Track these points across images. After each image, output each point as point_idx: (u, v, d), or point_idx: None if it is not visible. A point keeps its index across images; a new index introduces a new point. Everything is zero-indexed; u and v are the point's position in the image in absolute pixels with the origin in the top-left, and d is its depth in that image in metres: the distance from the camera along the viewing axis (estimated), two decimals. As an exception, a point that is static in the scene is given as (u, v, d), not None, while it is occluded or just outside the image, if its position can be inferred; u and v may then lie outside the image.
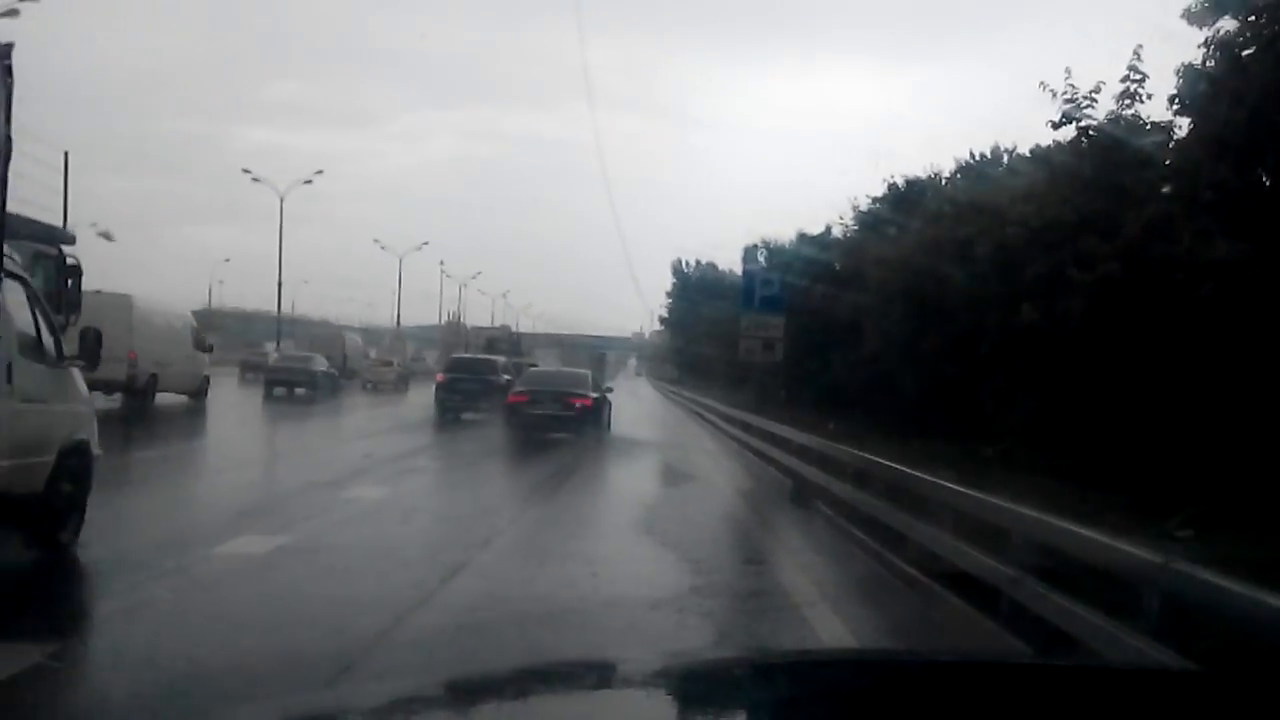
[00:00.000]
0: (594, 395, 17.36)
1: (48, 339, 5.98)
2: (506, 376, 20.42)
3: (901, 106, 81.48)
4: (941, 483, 6.20)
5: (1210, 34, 7.36)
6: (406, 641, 4.71)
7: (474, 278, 63.81)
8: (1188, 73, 7.73)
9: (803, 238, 24.02)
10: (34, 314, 5.86)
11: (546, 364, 31.19)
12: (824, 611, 5.53)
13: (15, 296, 5.66)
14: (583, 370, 20.83)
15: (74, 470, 5.93)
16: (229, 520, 7.32)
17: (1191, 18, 7.61)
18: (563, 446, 15.84)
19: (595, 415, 17.06)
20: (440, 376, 19.26)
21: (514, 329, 44.94)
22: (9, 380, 5.34)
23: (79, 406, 6.29)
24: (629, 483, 12.77)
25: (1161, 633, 3.59)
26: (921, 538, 6.23)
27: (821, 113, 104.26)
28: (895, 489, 7.06)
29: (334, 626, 4.79)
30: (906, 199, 16.97)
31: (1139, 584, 3.82)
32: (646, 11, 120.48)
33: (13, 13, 23.55)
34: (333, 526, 7.69)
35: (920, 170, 18.50)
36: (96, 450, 6.33)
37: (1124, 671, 2.18)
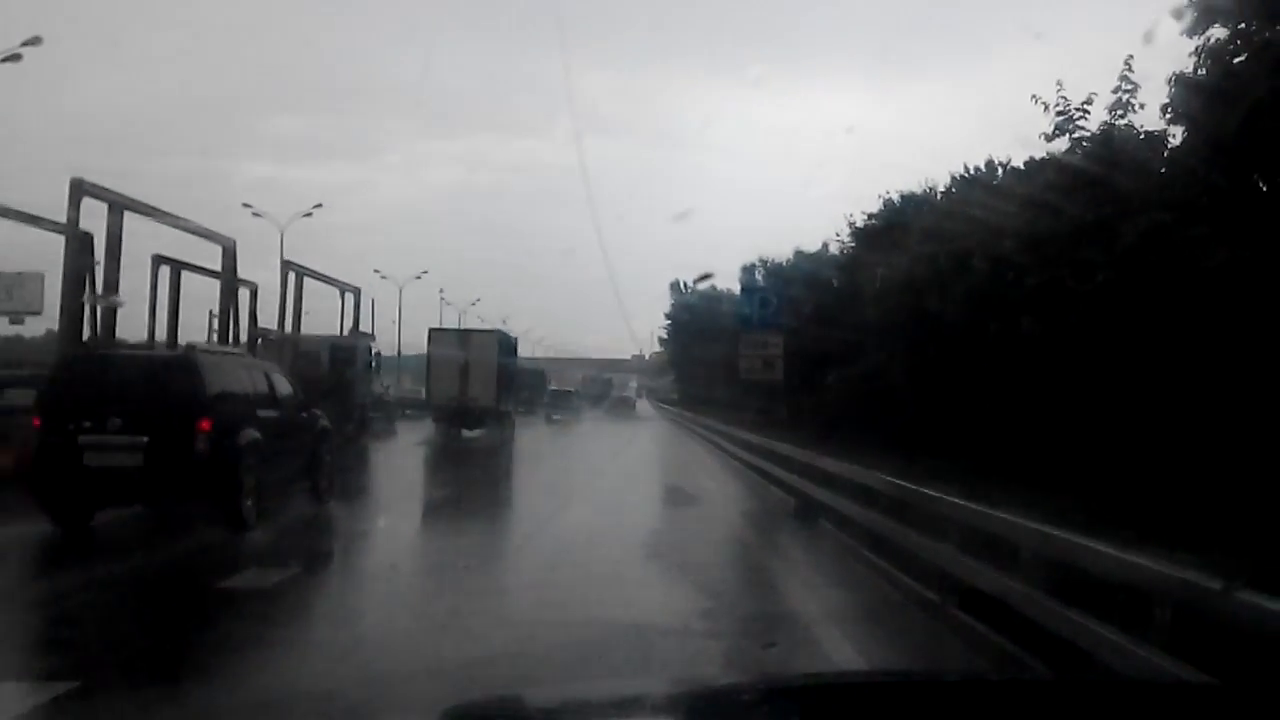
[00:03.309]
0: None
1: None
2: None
3: (894, 123, 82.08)
4: (948, 498, 6.14)
5: (1201, 42, 7.41)
6: (414, 672, 4.64)
7: (473, 304, 63.91)
8: (1180, 82, 7.77)
9: (800, 255, 24.09)
10: None
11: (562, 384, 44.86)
12: (833, 632, 5.45)
13: None
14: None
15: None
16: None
17: (1184, 28, 7.67)
18: (564, 469, 17.14)
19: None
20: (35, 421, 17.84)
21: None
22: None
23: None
24: (632, 504, 12.70)
25: (1176, 647, 3.52)
26: (929, 554, 6.15)
27: (814, 131, 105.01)
28: (900, 505, 6.99)
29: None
30: (902, 214, 17.02)
31: (1153, 596, 3.75)
32: (638, 39, 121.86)
33: (15, 57, 23.92)
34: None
35: (915, 185, 18.60)
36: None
37: (1143, 685, 2.12)
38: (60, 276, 11.78)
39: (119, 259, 11.76)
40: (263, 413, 9.39)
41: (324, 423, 11.19)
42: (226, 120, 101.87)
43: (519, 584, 6.94)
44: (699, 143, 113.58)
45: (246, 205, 39.87)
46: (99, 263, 11.57)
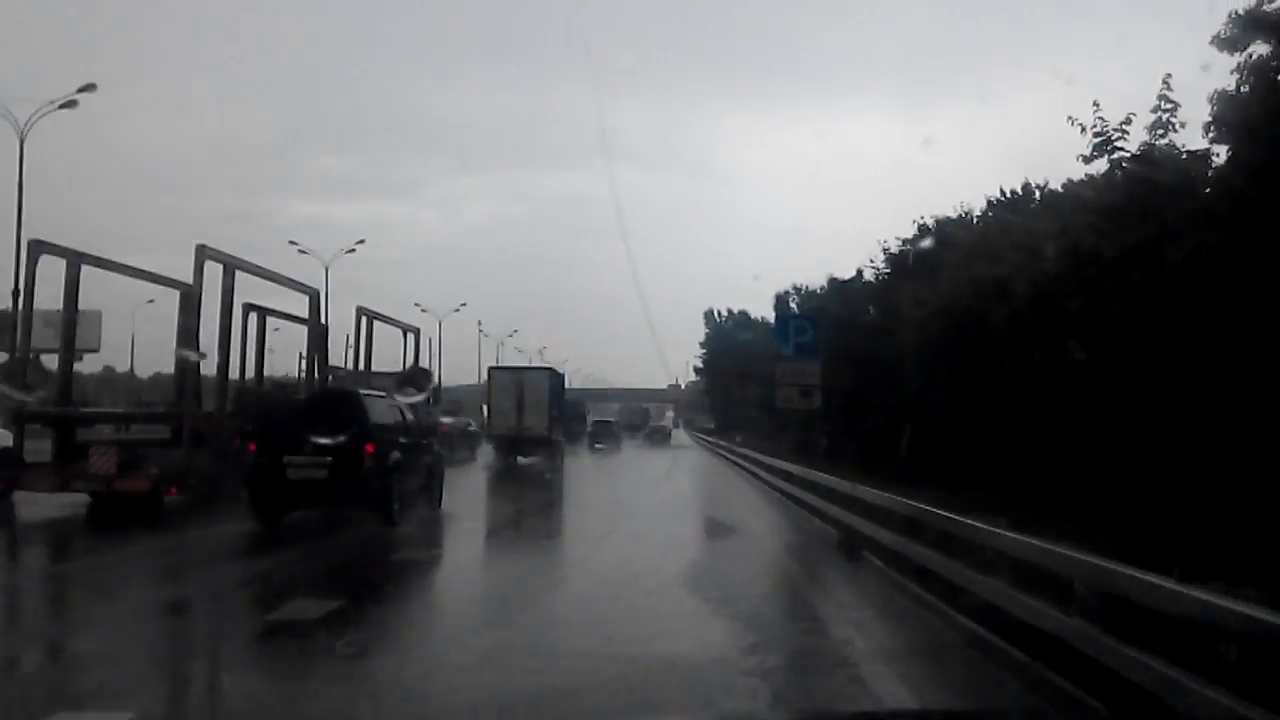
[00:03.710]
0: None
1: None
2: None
3: (926, 147, 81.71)
4: (997, 530, 5.98)
5: (1243, 59, 7.28)
6: (456, 707, 4.64)
7: (510, 336, 64.61)
8: (1222, 99, 7.63)
9: (834, 282, 23.94)
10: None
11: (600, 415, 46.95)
12: (881, 669, 5.31)
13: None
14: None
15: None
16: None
17: (1222, 44, 7.56)
18: (609, 496, 18.96)
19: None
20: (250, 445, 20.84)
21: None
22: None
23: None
24: (673, 534, 12.62)
25: (1244, 686, 3.37)
26: (979, 589, 5.99)
27: (846, 157, 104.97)
28: (947, 538, 6.83)
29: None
30: (938, 240, 16.87)
31: (1218, 633, 3.61)
32: (668, 70, 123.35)
33: (72, 103, 25.04)
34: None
35: (950, 209, 18.44)
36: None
37: None
38: (115, 314, 14.45)
39: (230, 313, 13.67)
40: (402, 439, 12.22)
41: (437, 448, 14.39)
42: (273, 161, 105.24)
43: (563, 616, 6.91)
44: (732, 173, 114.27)
45: (293, 243, 41.13)
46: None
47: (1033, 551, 5.36)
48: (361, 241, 45.19)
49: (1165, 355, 7.61)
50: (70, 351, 14.09)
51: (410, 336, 21.74)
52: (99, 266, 13.50)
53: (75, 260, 12.93)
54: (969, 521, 6.53)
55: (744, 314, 48.51)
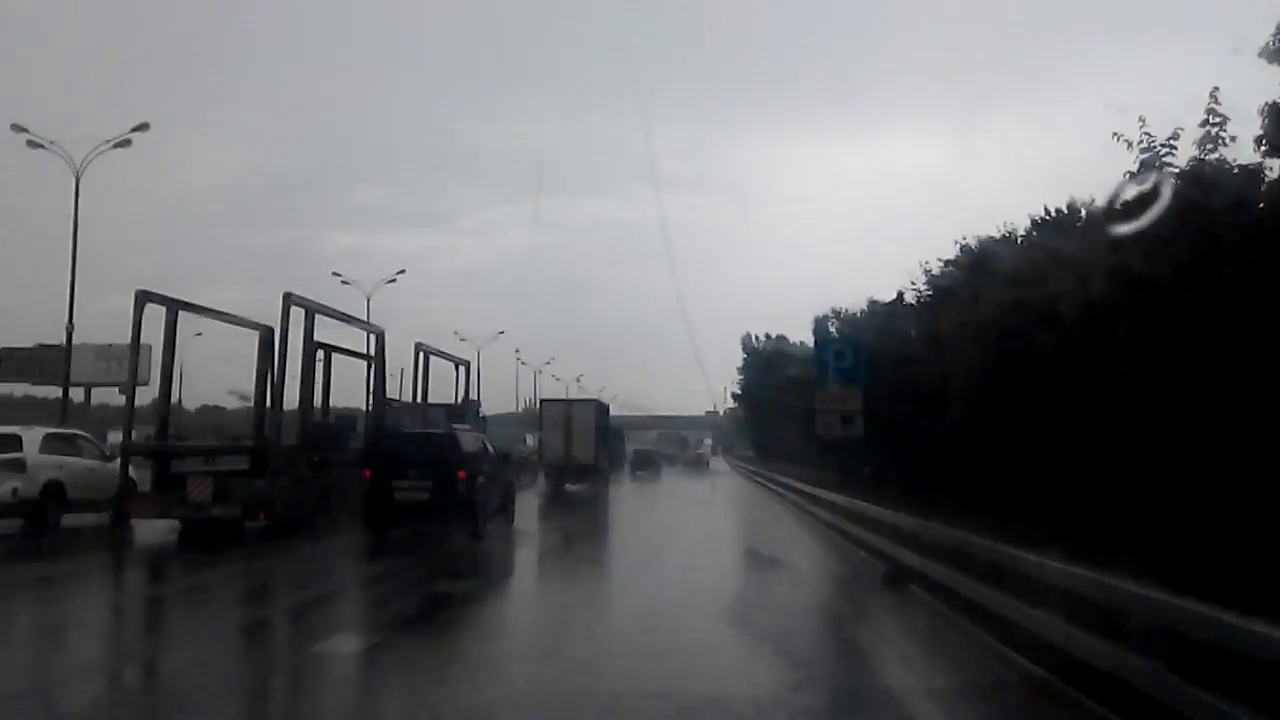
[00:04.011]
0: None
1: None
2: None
3: (970, 167, 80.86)
4: (1050, 562, 5.76)
5: (1293, 71, 7.05)
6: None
7: (548, 363, 65.07)
8: (1272, 111, 7.38)
9: (874, 305, 23.62)
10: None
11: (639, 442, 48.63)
12: (931, 709, 5.12)
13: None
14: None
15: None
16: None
17: (1271, 55, 7.33)
18: (650, 523, 19.26)
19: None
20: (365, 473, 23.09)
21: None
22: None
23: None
24: (715, 566, 12.47)
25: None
26: (1032, 624, 5.76)
27: (886, 179, 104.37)
28: (997, 570, 6.60)
29: None
30: (981, 260, 16.56)
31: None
32: (705, 93, 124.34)
33: (126, 142, 26.04)
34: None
35: (994, 229, 18.10)
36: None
37: None
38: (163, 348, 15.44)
39: (312, 354, 15.52)
40: (485, 467, 14.73)
41: (510, 475, 17.35)
42: (316, 194, 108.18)
43: (604, 650, 6.81)
44: (770, 196, 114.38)
45: (335, 274, 42.16)
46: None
47: (1087, 585, 5.13)
48: (402, 272, 46.21)
49: (1220, 378, 7.31)
50: (168, 390, 15.43)
51: (461, 369, 23.53)
52: (192, 312, 15.16)
53: (174, 307, 14.55)
54: (1019, 553, 6.30)
55: (782, 338, 48.08)
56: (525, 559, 13.48)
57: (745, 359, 54.04)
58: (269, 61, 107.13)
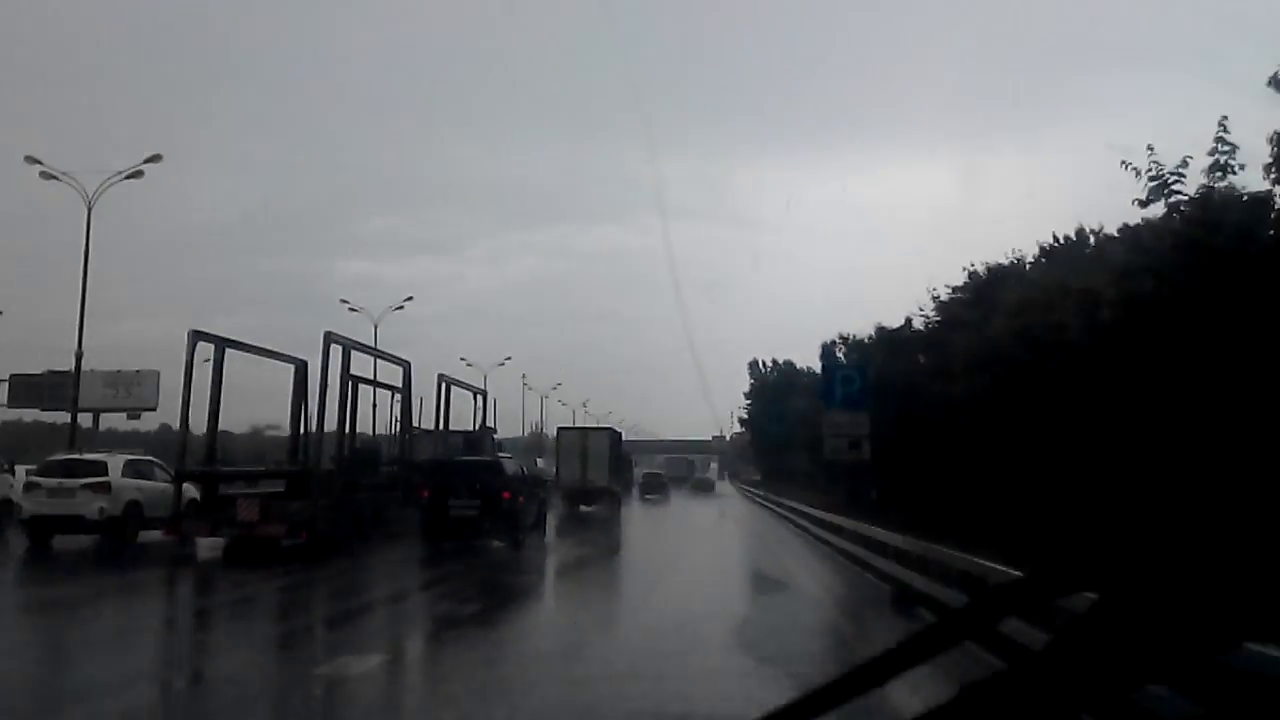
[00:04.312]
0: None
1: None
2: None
3: (976, 194, 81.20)
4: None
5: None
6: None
7: (554, 389, 65.16)
8: (1280, 140, 7.46)
9: (881, 331, 23.66)
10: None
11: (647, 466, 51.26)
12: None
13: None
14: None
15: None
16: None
17: (1277, 84, 7.42)
18: (659, 546, 20.22)
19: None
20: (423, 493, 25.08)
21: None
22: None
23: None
24: (721, 589, 12.40)
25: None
26: (1041, 647, 5.70)
27: (892, 206, 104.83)
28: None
29: None
30: (989, 287, 16.60)
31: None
32: (712, 122, 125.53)
33: (138, 174, 26.39)
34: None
35: (1001, 256, 18.15)
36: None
37: None
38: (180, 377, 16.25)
39: (347, 386, 17.12)
40: (524, 488, 17.53)
41: (543, 495, 20.80)
42: (325, 222, 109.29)
43: (612, 673, 6.76)
44: (777, 222, 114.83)
45: (344, 301, 42.47)
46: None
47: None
48: (410, 299, 46.40)
49: (1230, 403, 7.31)
50: (215, 420, 16.33)
51: (479, 398, 25.50)
52: (237, 349, 16.51)
53: (221, 344, 16.03)
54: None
55: (789, 364, 48.10)
56: (552, 570, 15.46)
57: (753, 384, 54.04)
58: (279, 92, 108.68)
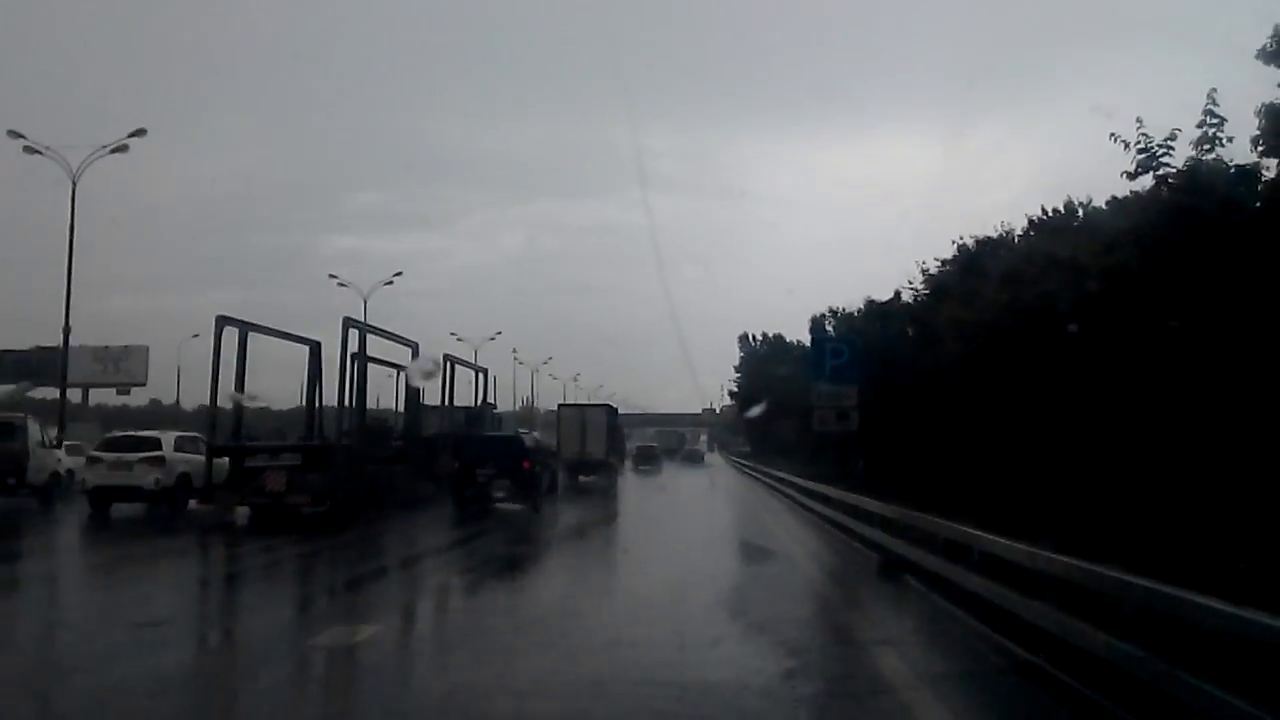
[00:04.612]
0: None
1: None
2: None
3: (965, 168, 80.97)
4: (1041, 552, 5.84)
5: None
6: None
7: (545, 363, 65.09)
8: (1268, 112, 7.47)
9: (871, 305, 23.71)
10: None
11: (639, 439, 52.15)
12: (923, 695, 5.20)
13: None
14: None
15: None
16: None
17: (1267, 56, 7.42)
18: (652, 514, 21.62)
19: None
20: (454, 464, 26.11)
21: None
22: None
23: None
24: (711, 558, 12.55)
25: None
26: (1025, 613, 5.84)
27: (882, 180, 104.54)
28: (990, 560, 6.68)
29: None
30: (978, 260, 16.64)
31: (1269, 655, 3.48)
32: (701, 96, 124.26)
33: (123, 148, 26.00)
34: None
35: (991, 229, 18.18)
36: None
37: None
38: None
39: (365, 366, 17.88)
40: (539, 459, 20.83)
41: (554, 464, 24.53)
42: (313, 197, 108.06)
43: (607, 640, 6.87)
44: (766, 196, 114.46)
45: (332, 276, 42.14)
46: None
47: (1079, 574, 5.22)
48: (399, 274, 46.19)
49: (1210, 374, 7.40)
50: (241, 396, 17.19)
51: (480, 376, 27.77)
52: (258, 332, 17.37)
53: (245, 328, 16.99)
54: (1012, 543, 6.39)
55: (779, 338, 48.20)
56: (553, 539, 16.30)
57: (742, 357, 54.16)
58: (265, 66, 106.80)
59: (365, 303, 39.70)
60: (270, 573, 11.43)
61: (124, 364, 40.32)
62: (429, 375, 20.30)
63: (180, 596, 9.24)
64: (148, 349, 41.08)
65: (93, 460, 17.43)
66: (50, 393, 30.77)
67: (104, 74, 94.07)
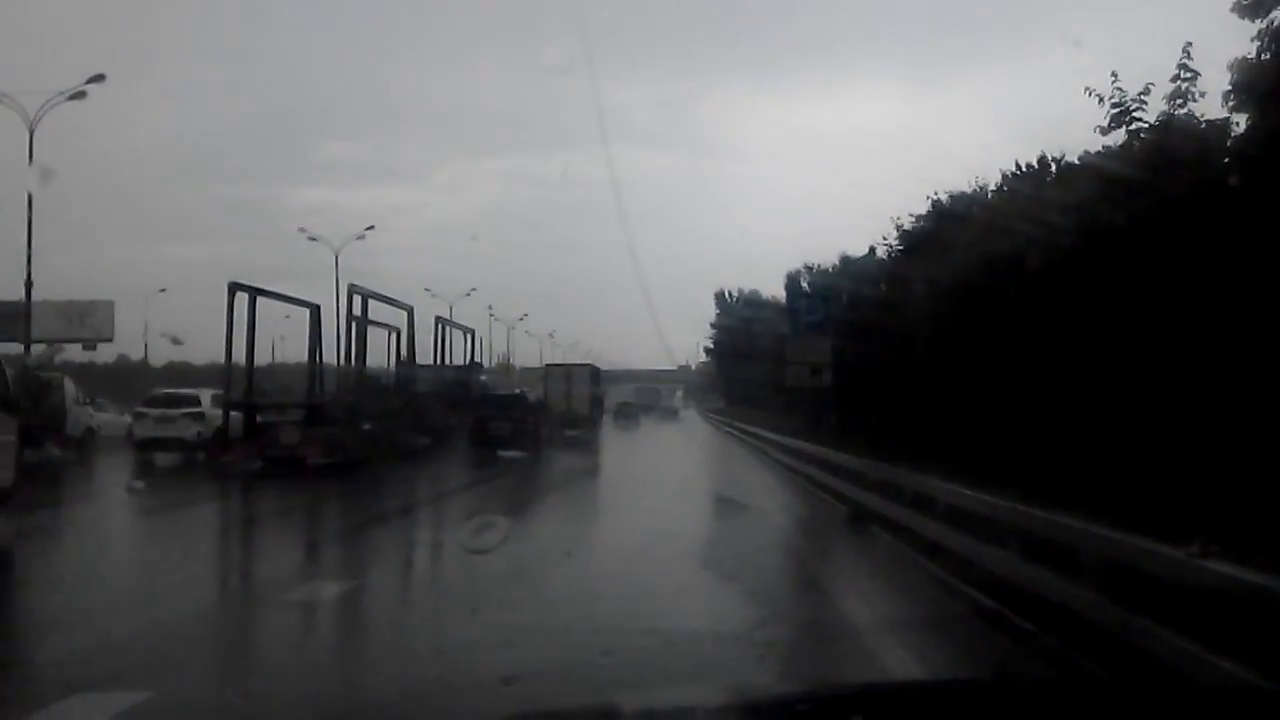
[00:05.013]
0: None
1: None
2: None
3: (939, 121, 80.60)
4: (1004, 503, 5.98)
5: (1264, 25, 7.12)
6: (475, 682, 4.70)
7: (521, 320, 64.66)
8: (1241, 66, 7.47)
9: (846, 260, 23.74)
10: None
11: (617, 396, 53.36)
12: (888, 640, 5.34)
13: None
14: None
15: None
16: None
17: (1242, 10, 7.40)
18: (630, 466, 23.03)
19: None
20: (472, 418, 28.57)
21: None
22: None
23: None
24: (687, 513, 12.70)
25: (1248, 655, 3.37)
26: (987, 561, 6.00)
27: (856, 134, 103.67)
28: (955, 512, 6.83)
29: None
30: (952, 215, 16.67)
31: (1221, 601, 3.60)
32: (675, 49, 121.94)
33: (81, 94, 25.06)
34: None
35: (965, 184, 18.18)
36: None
37: (1214, 692, 2.04)
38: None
39: (365, 329, 19.92)
40: (539, 412, 25.13)
41: (551, 419, 27.62)
42: (280, 149, 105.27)
43: (583, 592, 6.96)
44: (742, 151, 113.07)
45: (302, 230, 41.27)
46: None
47: (1040, 523, 5.35)
48: (371, 228, 45.22)
49: (1187, 330, 7.52)
50: (251, 359, 18.84)
51: (468, 336, 30.61)
52: (264, 296, 18.86)
53: (254, 293, 18.51)
54: (976, 494, 6.52)
55: (755, 293, 48.26)
56: (536, 490, 17.20)
57: (718, 314, 54.21)
58: (228, 11, 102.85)
59: (337, 258, 39.09)
60: (292, 518, 12.62)
61: (89, 319, 39.50)
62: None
63: (218, 538, 10.69)
64: (113, 304, 40.18)
65: (139, 415, 19.93)
66: (14, 348, 30.09)
67: (59, 17, 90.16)
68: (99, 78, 25.08)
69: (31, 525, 9.81)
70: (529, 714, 1.55)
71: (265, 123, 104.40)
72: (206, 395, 19.82)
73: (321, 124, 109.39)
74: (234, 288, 17.87)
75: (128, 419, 21.35)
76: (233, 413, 18.08)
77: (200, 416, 19.23)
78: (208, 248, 69.62)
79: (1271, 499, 6.03)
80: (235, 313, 17.79)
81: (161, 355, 47.64)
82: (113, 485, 16.13)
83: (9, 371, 10.58)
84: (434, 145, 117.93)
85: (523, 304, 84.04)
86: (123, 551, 9.30)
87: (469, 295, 51.42)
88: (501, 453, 21.59)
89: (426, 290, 44.68)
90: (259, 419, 18.14)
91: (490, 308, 58.86)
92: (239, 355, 18.64)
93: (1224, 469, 6.88)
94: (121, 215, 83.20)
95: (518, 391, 27.67)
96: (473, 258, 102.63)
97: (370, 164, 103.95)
